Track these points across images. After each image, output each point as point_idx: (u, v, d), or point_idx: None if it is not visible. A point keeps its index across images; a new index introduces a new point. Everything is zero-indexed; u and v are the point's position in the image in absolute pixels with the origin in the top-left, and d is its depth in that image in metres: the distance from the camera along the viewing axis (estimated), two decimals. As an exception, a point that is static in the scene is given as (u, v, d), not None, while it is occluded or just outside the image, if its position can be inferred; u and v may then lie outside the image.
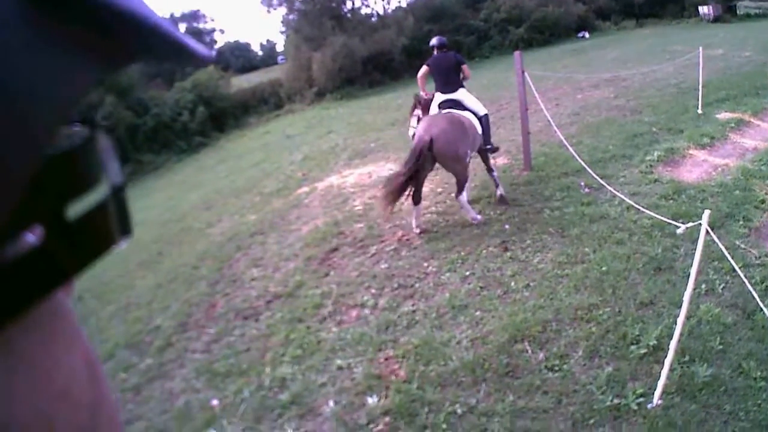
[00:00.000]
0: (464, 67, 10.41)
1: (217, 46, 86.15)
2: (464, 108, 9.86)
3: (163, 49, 0.48)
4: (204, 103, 42.79)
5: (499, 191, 9.87)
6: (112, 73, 0.46)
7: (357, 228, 10.31)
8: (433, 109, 10.21)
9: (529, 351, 5.51)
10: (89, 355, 0.56)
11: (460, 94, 10.08)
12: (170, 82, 49.26)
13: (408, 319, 6.84)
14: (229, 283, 9.84)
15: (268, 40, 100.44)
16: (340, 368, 6.28)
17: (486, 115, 9.96)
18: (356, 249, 9.47)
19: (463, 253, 8.07)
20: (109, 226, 0.51)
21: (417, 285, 7.63)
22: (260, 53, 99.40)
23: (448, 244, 8.52)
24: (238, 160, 25.72)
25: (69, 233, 0.45)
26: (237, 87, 48.23)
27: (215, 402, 6.45)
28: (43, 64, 0.37)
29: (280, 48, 68.73)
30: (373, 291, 7.82)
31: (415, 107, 10.84)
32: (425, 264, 8.14)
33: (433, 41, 10.92)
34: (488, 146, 9.90)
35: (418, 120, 10.29)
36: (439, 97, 10.21)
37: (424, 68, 10.58)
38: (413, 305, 7.13)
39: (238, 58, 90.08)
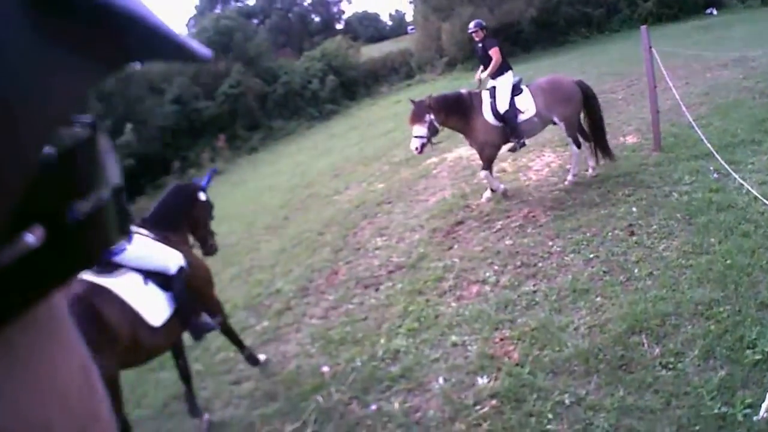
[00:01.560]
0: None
1: (345, 17, 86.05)
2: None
3: (162, 48, 0.49)
4: (334, 72, 43.08)
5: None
6: (111, 73, 0.48)
7: (482, 202, 10.28)
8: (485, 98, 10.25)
9: (646, 345, 5.41)
10: (85, 361, 0.57)
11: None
12: (299, 51, 49.65)
13: (528, 300, 6.81)
14: (353, 251, 9.97)
15: (396, 11, 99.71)
16: (454, 345, 6.33)
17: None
18: (481, 223, 9.48)
19: (588, 234, 7.97)
20: (108, 226, 0.51)
21: (540, 264, 7.59)
22: (389, 23, 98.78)
23: (574, 223, 8.43)
24: (369, 129, 25.99)
25: (69, 234, 0.46)
26: (367, 56, 48.28)
27: (326, 369, 6.61)
28: (43, 64, 0.39)
29: (409, 18, 68.27)
30: (495, 267, 7.83)
31: (423, 112, 10.03)
32: (550, 243, 8.08)
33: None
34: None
35: (430, 129, 10.00)
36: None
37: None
38: (534, 285, 7.11)
39: (367, 28, 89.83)
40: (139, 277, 5.72)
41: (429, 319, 6.99)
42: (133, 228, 5.91)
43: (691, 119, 9.10)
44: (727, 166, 7.45)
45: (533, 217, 9.17)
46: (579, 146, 10.12)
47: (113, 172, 0.52)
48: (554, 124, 10.35)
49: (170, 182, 14.49)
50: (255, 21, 66.62)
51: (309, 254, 10.74)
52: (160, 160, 34.55)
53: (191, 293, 6.22)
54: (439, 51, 40.95)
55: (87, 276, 5.35)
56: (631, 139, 11.81)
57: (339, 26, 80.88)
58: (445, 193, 11.69)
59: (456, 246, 8.89)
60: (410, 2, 47.33)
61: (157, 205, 6.79)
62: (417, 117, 10.01)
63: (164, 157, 34.81)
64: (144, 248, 5.87)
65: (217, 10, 60.04)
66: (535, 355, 5.72)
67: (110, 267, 5.55)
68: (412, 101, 10.23)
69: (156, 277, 5.84)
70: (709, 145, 8.04)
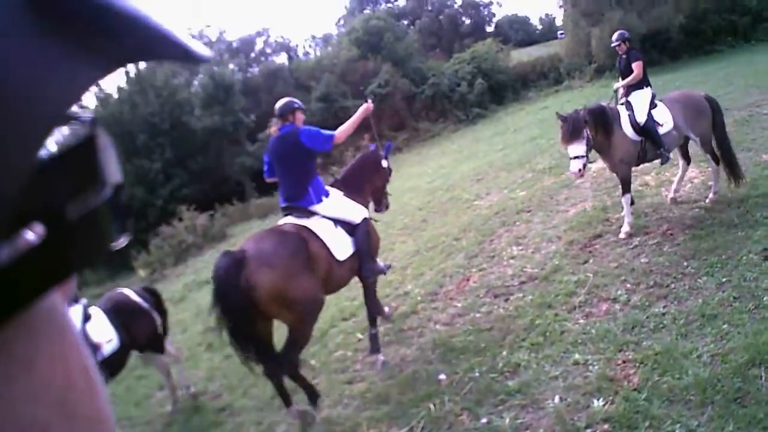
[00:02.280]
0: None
1: (495, 19, 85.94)
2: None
3: (162, 49, 0.49)
4: (482, 75, 43.06)
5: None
6: (112, 72, 0.48)
7: (623, 237, 10.00)
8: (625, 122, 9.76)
9: (763, 378, 5.24)
10: (87, 363, 0.57)
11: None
12: (449, 53, 49.74)
13: (656, 322, 6.69)
14: (487, 259, 9.99)
15: (547, 14, 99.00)
16: (576, 363, 6.28)
17: None
18: (619, 238, 9.34)
19: (723, 257, 7.72)
20: (108, 224, 0.52)
21: (672, 285, 7.43)
22: (539, 27, 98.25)
23: (711, 244, 8.19)
24: (515, 134, 25.88)
25: (69, 231, 0.47)
26: (516, 60, 48.01)
27: (443, 377, 6.66)
28: (43, 64, 0.40)
29: (558, 22, 67.67)
30: (628, 286, 7.73)
31: (581, 127, 9.13)
32: (685, 263, 7.89)
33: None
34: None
35: (589, 146, 9.21)
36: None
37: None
38: (664, 307, 6.98)
39: (517, 32, 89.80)
40: (330, 222, 7.36)
41: (554, 334, 6.96)
42: (328, 187, 7.77)
43: None
44: None
45: (671, 234, 9.00)
46: (718, 162, 9.81)
47: (113, 170, 0.53)
48: (689, 139, 10.13)
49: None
50: (405, 22, 67.22)
51: (443, 258, 10.80)
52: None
53: (369, 241, 7.75)
54: (588, 57, 40.41)
55: (292, 219, 7.30)
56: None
57: (489, 29, 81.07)
58: (585, 205, 11.54)
59: (591, 260, 8.81)
60: (560, 6, 46.68)
61: (348, 169, 8.77)
62: (574, 134, 9.07)
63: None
64: (336, 202, 7.62)
65: (367, 11, 60.65)
66: (655, 380, 5.62)
67: (308, 213, 7.31)
68: (562, 116, 9.23)
69: (343, 224, 7.50)
70: None
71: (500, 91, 43.16)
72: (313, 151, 7.45)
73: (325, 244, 7.13)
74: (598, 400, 5.57)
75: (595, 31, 38.85)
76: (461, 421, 5.82)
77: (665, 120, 9.73)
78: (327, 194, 7.58)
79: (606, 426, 5.20)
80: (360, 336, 8.22)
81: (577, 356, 6.36)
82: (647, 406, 5.30)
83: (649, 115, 9.73)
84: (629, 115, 9.75)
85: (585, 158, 9.16)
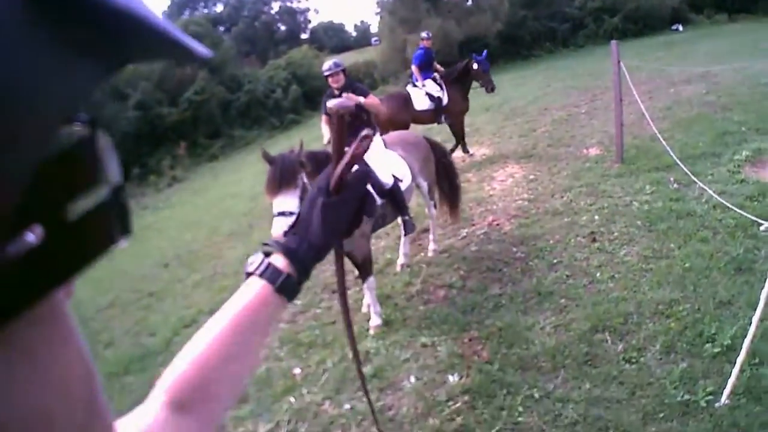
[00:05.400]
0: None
1: (310, 26, 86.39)
2: None
3: (162, 48, 0.49)
4: (297, 82, 43.09)
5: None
6: (112, 73, 0.47)
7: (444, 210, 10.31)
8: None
9: (609, 341, 5.65)
10: (83, 352, 0.57)
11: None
12: (264, 60, 49.54)
13: (494, 302, 6.99)
14: (317, 258, 10.01)
15: (362, 21, 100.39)
16: (424, 345, 6.47)
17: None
18: (447, 231, 9.64)
19: (551, 242, 8.20)
20: (109, 225, 0.52)
21: (505, 269, 7.77)
22: (354, 34, 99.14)
23: (538, 231, 8.66)
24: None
25: (69, 233, 0.47)
26: (331, 66, 48.04)
27: (297, 371, 6.67)
28: (43, 64, 0.39)
29: (374, 30, 68.31)
30: (461, 273, 7.98)
31: (290, 173, 6.19)
32: (514, 249, 8.27)
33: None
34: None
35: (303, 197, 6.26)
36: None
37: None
38: (500, 288, 7.30)
39: (332, 38, 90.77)
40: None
41: (398, 322, 7.11)
42: None
43: (656, 131, 9.30)
44: (691, 174, 7.65)
45: (497, 225, 9.37)
46: (436, 207, 9.20)
47: (113, 170, 0.53)
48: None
49: (129, 188, 14.25)
50: (221, 28, 66.57)
51: (275, 261, 10.72)
52: (121, 166, 33.52)
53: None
54: (403, 63, 40.93)
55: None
56: (594, 152, 12.07)
57: (304, 36, 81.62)
58: (412, 202, 11.58)
59: (422, 253, 9.04)
60: (377, 13, 47.21)
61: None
62: (285, 181, 6.19)
63: (125, 163, 33.73)
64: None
65: (185, 16, 59.74)
66: (504, 353, 5.90)
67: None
68: (269, 157, 6.39)
69: None
70: (673, 156, 8.24)
71: (315, 96, 42.82)
72: None
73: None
74: (453, 375, 5.77)
75: (411, 38, 39.27)
76: (324, 409, 5.87)
77: (403, 173, 7.86)
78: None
79: (466, 397, 5.39)
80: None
81: (423, 339, 6.54)
82: (501, 375, 5.55)
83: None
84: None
85: (294, 216, 5.99)
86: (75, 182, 0.48)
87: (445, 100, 13.57)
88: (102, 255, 0.51)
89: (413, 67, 14.12)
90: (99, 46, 0.44)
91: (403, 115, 13.17)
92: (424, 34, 14.56)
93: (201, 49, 0.54)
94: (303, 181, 6.21)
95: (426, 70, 14.08)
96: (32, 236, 0.43)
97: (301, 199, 6.04)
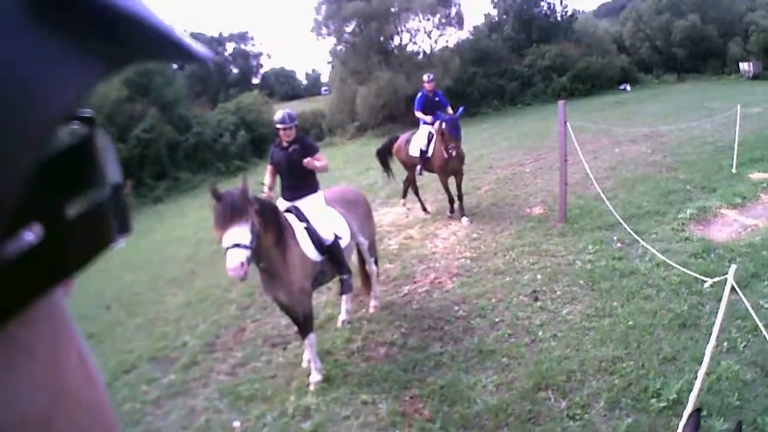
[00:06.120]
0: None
1: (262, 71, 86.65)
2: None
3: (162, 48, 0.49)
4: (246, 127, 43.24)
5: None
6: (112, 73, 0.46)
7: (390, 267, 10.37)
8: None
9: (552, 399, 5.60)
10: (83, 353, 0.57)
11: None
12: (214, 102, 49.56)
13: (435, 360, 6.93)
14: (260, 310, 9.88)
15: (313, 70, 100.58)
16: (365, 403, 6.36)
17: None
18: (389, 288, 9.55)
19: (494, 300, 8.16)
20: (107, 224, 0.51)
21: (446, 327, 7.72)
22: (305, 82, 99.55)
23: (480, 289, 8.61)
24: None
25: (68, 231, 0.46)
26: (280, 114, 48.21)
27: (236, 424, 6.55)
28: (43, 63, 0.39)
29: (324, 78, 68.94)
30: (403, 330, 7.91)
31: (239, 205, 6.13)
32: (456, 308, 8.23)
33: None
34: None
35: (254, 231, 6.12)
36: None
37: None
38: (441, 347, 7.23)
39: (283, 85, 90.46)
40: None
41: (338, 378, 7.01)
42: None
43: (600, 191, 9.36)
44: (634, 234, 7.68)
45: (440, 283, 9.32)
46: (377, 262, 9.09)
47: (112, 170, 0.53)
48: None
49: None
50: (175, 66, 66.90)
51: (215, 310, 10.58)
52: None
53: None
54: (351, 114, 41.17)
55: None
56: (537, 211, 12.16)
57: (255, 80, 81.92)
58: (353, 258, 11.56)
59: (362, 310, 8.94)
60: (329, 62, 47.64)
61: None
62: (236, 214, 6.06)
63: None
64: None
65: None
66: (445, 411, 5.82)
67: None
68: (217, 193, 6.30)
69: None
70: (616, 215, 8.29)
71: (262, 144, 42.65)
72: None
73: None
74: (394, 433, 5.64)
75: (361, 90, 39.60)
76: (265, 465, 5.77)
77: (343, 231, 7.79)
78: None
79: (408, 455, 5.29)
80: (145, 387, 8.02)
81: (364, 396, 6.45)
82: (443, 434, 5.43)
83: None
84: (307, 228, 7.31)
85: (249, 250, 5.99)
86: (74, 181, 0.48)
87: (428, 153, 13.06)
88: (101, 254, 0.51)
89: (416, 113, 13.69)
90: (100, 45, 0.44)
91: (401, 155, 13.56)
92: (425, 77, 13.87)
93: (201, 50, 0.53)
94: (253, 217, 6.12)
95: (434, 112, 13.17)
96: (31, 235, 0.43)
97: (252, 232, 6.02)
